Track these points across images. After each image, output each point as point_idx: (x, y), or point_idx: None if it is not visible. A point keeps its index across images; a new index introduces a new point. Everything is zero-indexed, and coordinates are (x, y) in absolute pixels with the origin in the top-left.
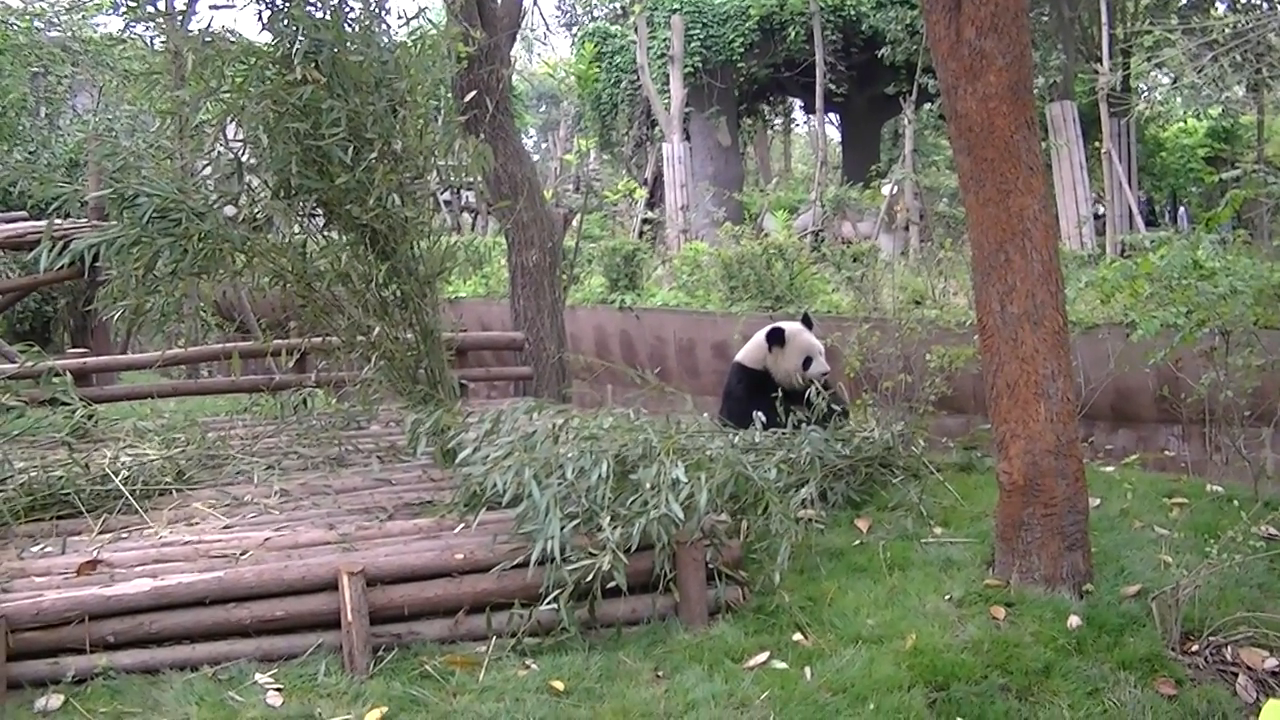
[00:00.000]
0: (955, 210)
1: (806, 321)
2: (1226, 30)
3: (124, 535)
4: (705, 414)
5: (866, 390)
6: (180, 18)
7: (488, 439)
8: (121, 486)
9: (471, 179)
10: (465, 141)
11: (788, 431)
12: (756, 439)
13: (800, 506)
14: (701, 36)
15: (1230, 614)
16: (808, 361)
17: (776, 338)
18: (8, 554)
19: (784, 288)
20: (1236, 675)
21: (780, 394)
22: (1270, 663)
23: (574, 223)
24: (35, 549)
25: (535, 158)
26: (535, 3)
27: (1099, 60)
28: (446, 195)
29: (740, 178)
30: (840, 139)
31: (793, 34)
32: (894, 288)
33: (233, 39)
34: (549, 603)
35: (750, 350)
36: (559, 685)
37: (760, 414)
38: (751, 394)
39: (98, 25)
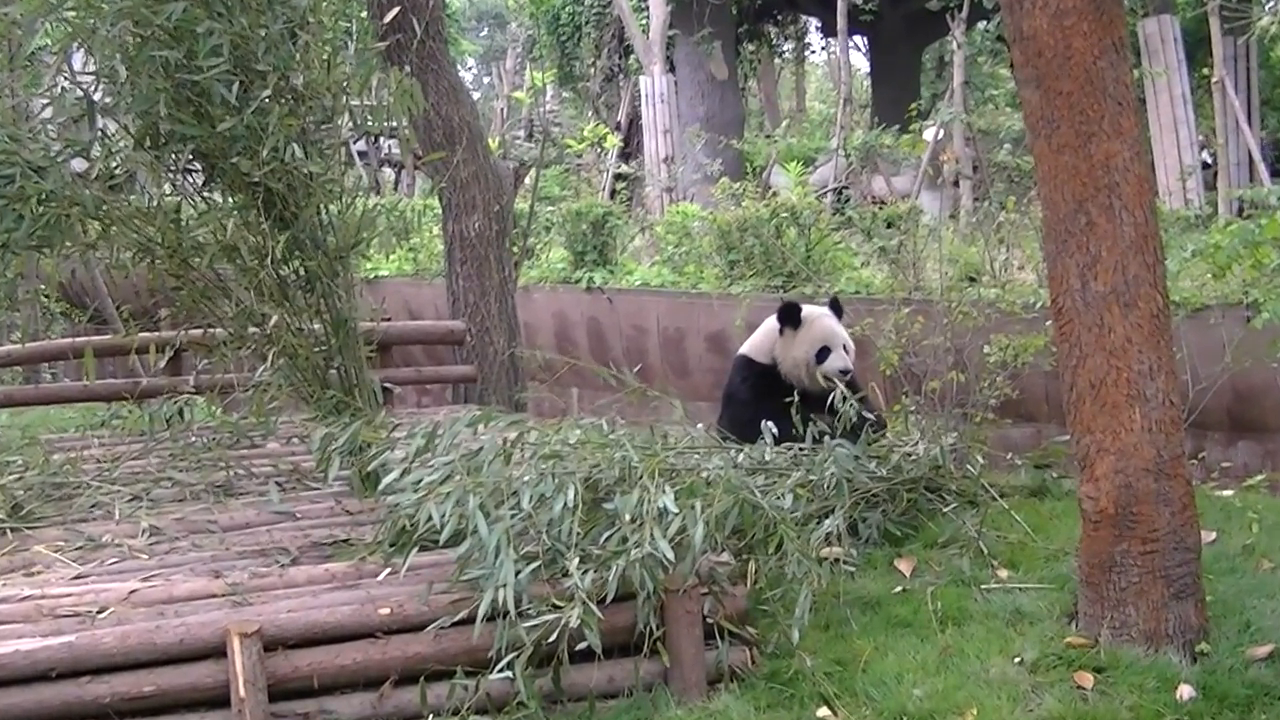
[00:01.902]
0: (1020, 159)
1: (835, 307)
2: None
3: None
4: (700, 425)
5: (907, 393)
6: None
7: (420, 459)
8: None
9: (395, 124)
10: (386, 75)
11: (806, 447)
12: (767, 456)
13: (824, 543)
14: None
15: None
16: (823, 353)
17: (790, 316)
18: None
19: (798, 261)
20: None
21: (796, 398)
22: None
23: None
24: None
25: (476, 96)
26: None
27: None
28: (362, 145)
29: (740, 120)
30: (869, 70)
31: None
32: (941, 260)
33: None
34: (501, 670)
35: (758, 340)
36: None
37: (771, 424)
38: (759, 397)
39: None
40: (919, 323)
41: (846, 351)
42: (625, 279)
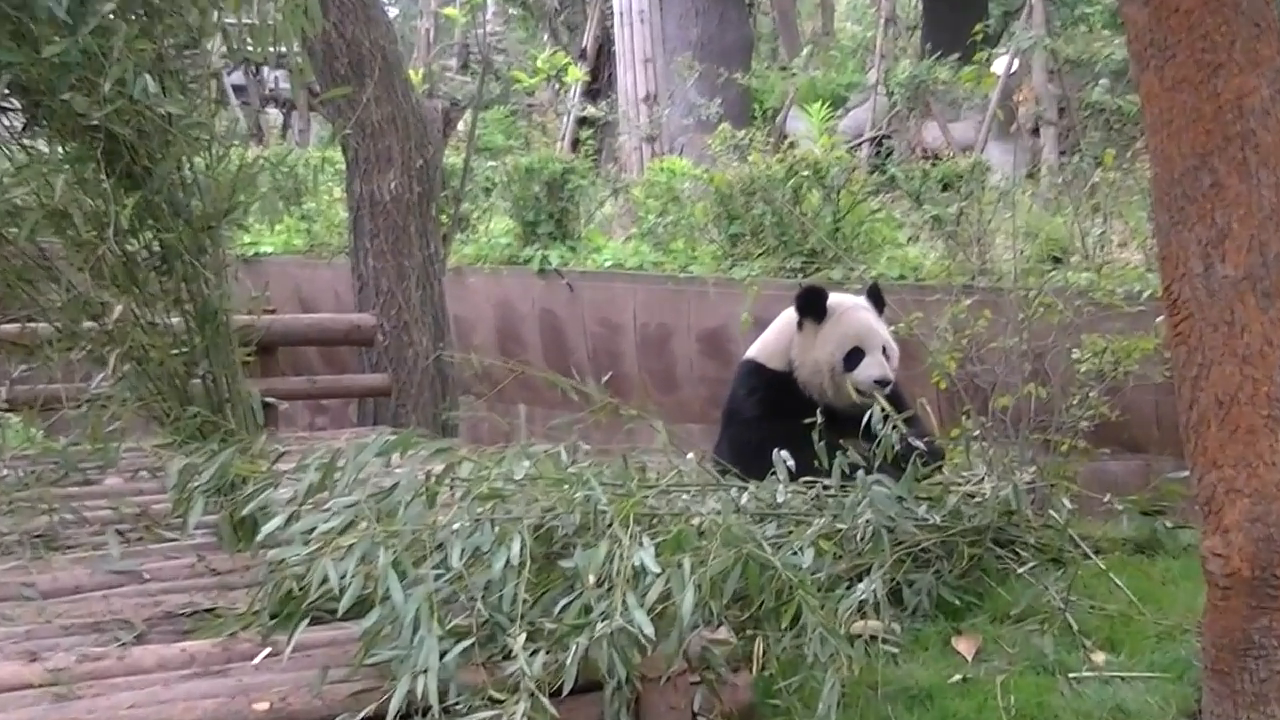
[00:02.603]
0: (1122, 100)
1: (874, 297)
2: None
3: None
4: (691, 454)
5: (968, 412)
6: None
7: (313, 500)
8: None
9: (283, 50)
10: None
11: (833, 484)
12: (780, 497)
13: (856, 614)
14: None
15: None
16: (854, 357)
17: (812, 306)
18: None
19: (823, 236)
20: None
21: (820, 418)
22: None
23: (460, 125)
24: None
25: (394, 13)
26: None
27: None
28: (240, 78)
29: (746, 47)
30: None
31: None
32: (1015, 235)
33: None
34: None
35: (769, 341)
36: None
37: (785, 453)
38: (771, 416)
39: None
40: (985, 318)
41: (886, 356)
42: (591, 259)
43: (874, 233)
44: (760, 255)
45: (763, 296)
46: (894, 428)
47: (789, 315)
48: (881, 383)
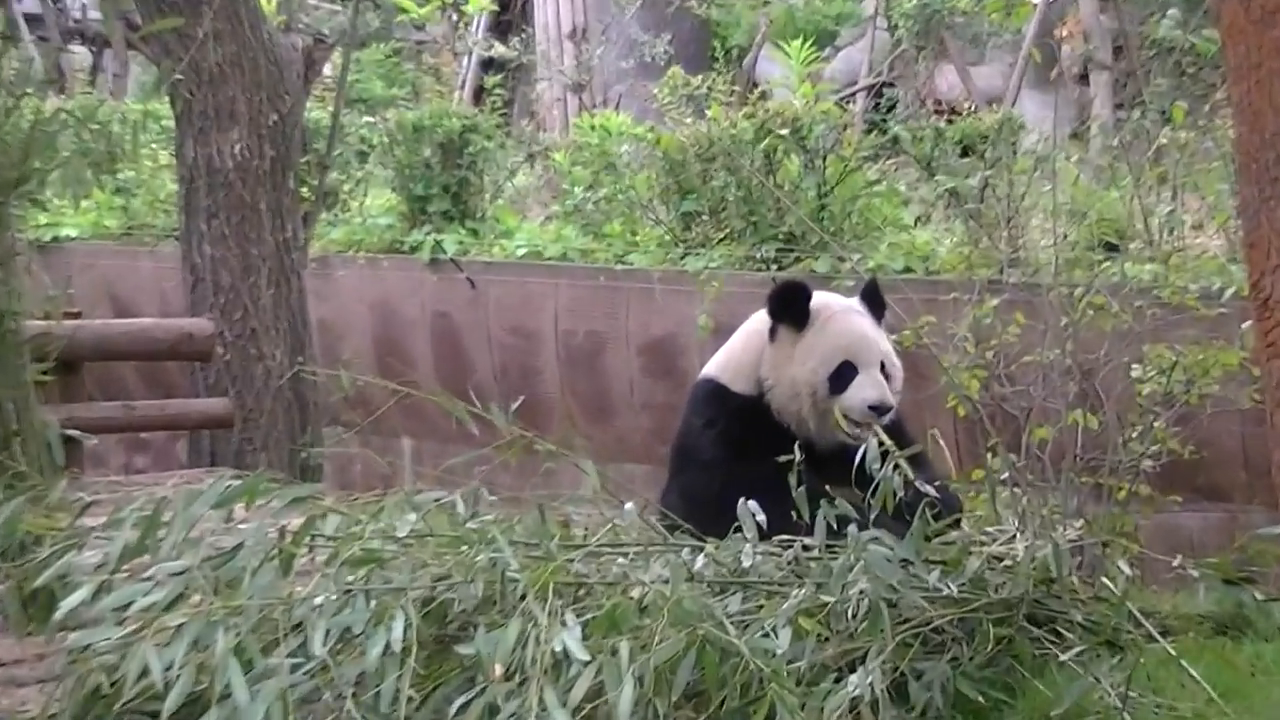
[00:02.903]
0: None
1: (870, 297)
2: None
3: None
4: (630, 504)
5: (995, 448)
6: None
7: (130, 566)
8: None
9: None
10: None
11: (817, 543)
12: (747, 560)
13: (848, 715)
14: None
15: None
16: (844, 374)
17: (789, 308)
18: None
19: (805, 215)
20: None
21: (799, 454)
22: None
23: (327, 69)
24: None
25: None
26: None
27: None
28: (33, 4)
29: None
30: None
31: None
32: (1055, 214)
33: None
34: None
35: (734, 354)
36: None
37: (754, 503)
38: (735, 454)
39: None
40: (1018, 323)
41: (886, 374)
42: (500, 246)
43: (871, 211)
44: (722, 241)
45: (725, 296)
46: (896, 468)
47: (759, 321)
48: (879, 409)
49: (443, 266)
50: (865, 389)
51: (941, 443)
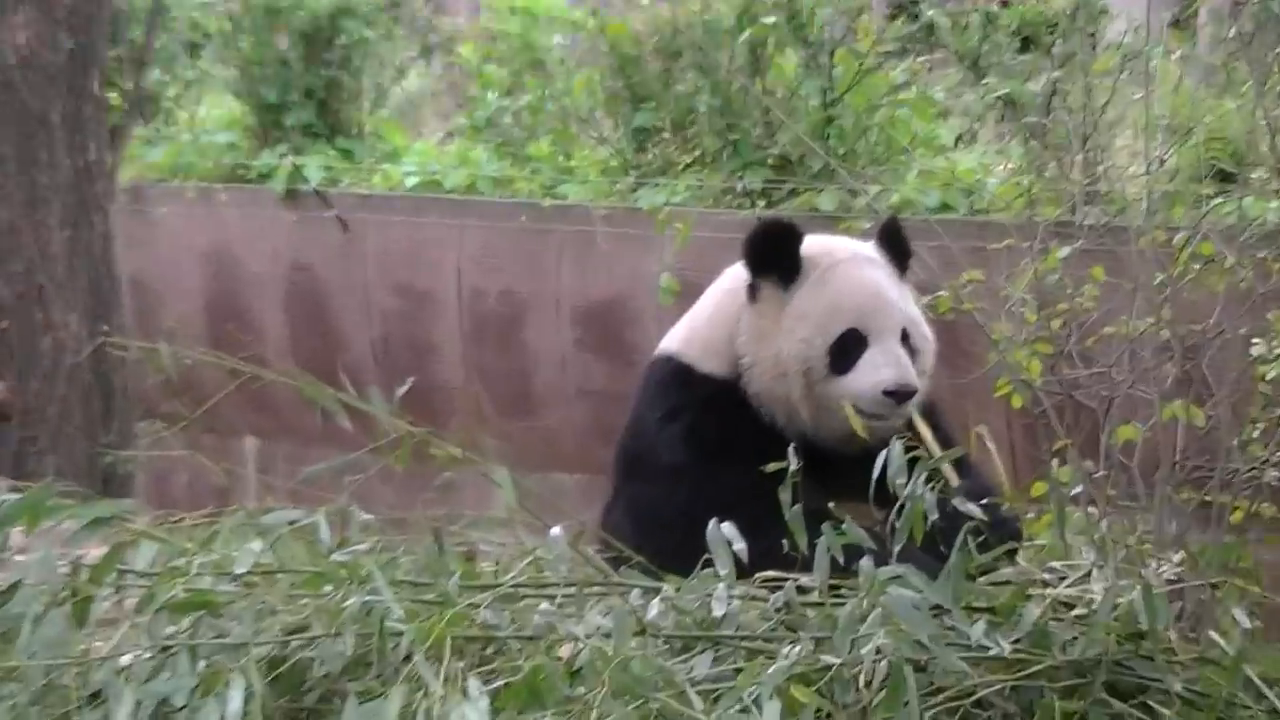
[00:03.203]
0: None
1: (891, 241)
2: None
3: None
4: (557, 528)
5: (1063, 451)
6: None
7: None
8: None
9: None
10: None
11: (817, 581)
12: (719, 606)
13: None
14: None
15: None
16: (848, 346)
17: (773, 253)
18: None
19: (807, 131)
20: None
21: (793, 458)
22: None
23: None
24: None
25: None
26: None
27: None
28: None
29: None
30: None
31: None
32: (1149, 130)
33: None
34: None
35: (705, 321)
36: None
37: (730, 525)
38: (707, 457)
39: None
40: (1095, 281)
41: (910, 346)
42: (384, 173)
43: (896, 127)
44: (690, 168)
45: (694, 244)
46: (929, 479)
47: (734, 277)
48: (899, 394)
49: (304, 201)
50: (879, 367)
51: (991, 444)
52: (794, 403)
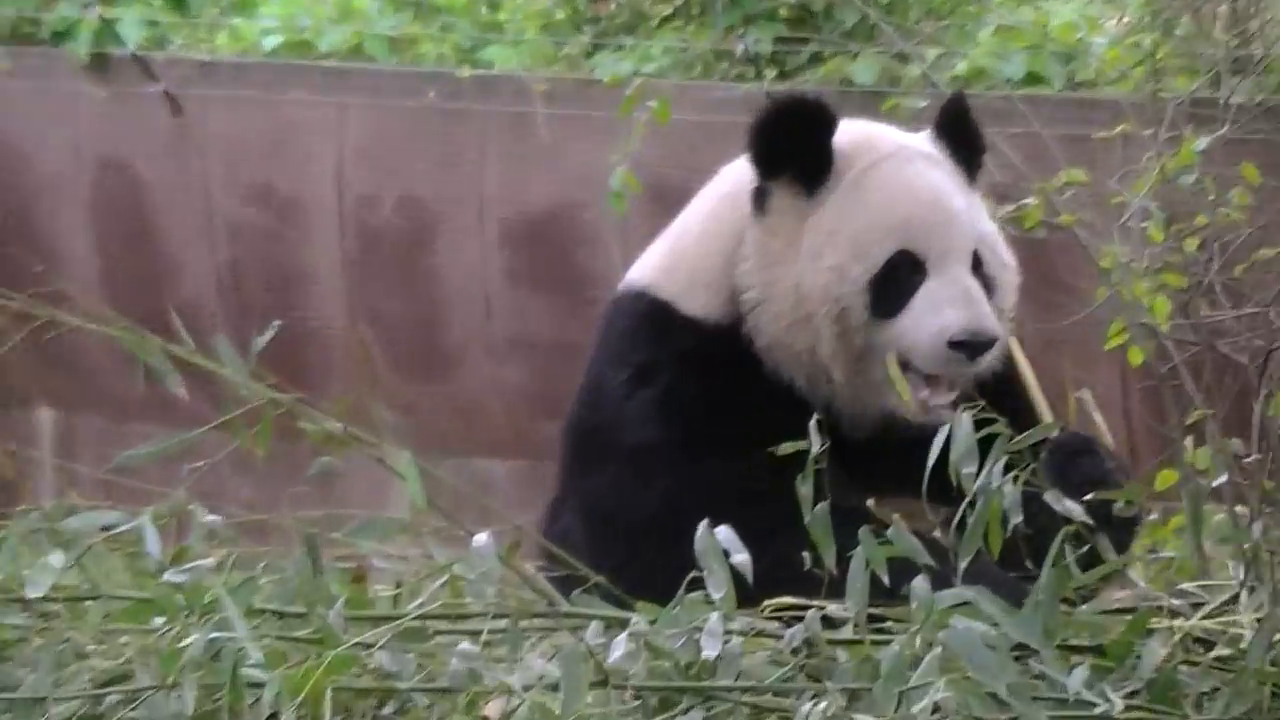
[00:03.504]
0: None
1: (956, 128)
2: None
3: None
4: (483, 535)
5: (1196, 426)
6: None
7: None
8: None
9: None
10: None
11: (852, 607)
12: (714, 645)
13: None
14: None
15: None
16: (896, 277)
17: (792, 138)
18: None
19: None
20: None
21: (818, 440)
22: None
23: None
24: None
25: None
26: None
27: None
28: None
29: None
30: None
31: None
32: None
33: None
34: None
35: (690, 240)
36: None
37: (726, 530)
38: (694, 432)
39: None
40: (1248, 182)
41: (984, 277)
42: (231, 32)
43: None
44: (667, 23)
45: (673, 130)
46: (1008, 469)
47: (734, 180)
48: (974, 345)
49: (117, 71)
50: (942, 306)
51: (1098, 416)
52: (820, 358)
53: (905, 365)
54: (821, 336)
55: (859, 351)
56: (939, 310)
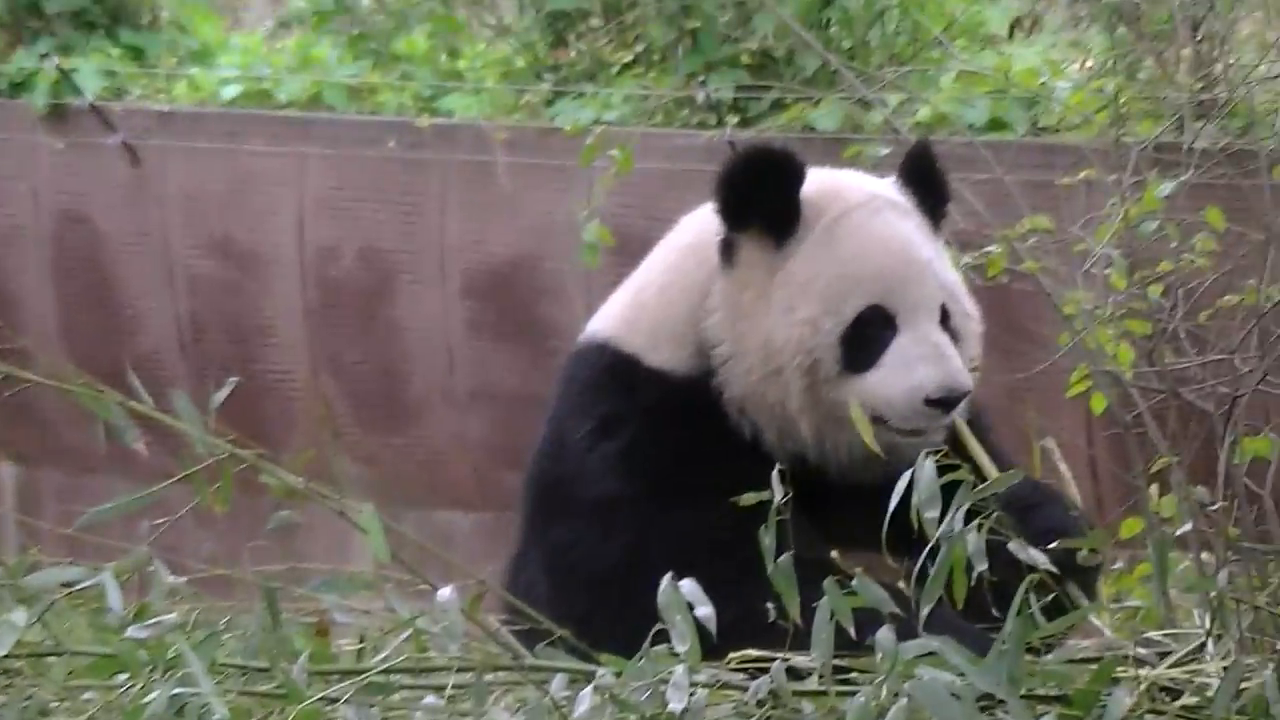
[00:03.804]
0: None
1: (923, 176)
2: None
3: None
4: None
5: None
6: None
7: None
8: None
9: None
10: None
11: (818, 659)
12: (680, 698)
13: None
14: None
15: None
16: (866, 333)
17: (760, 189)
18: None
19: (797, 16)
20: None
21: (779, 491)
22: None
23: None
24: None
25: None
26: None
27: None
28: None
29: None
30: None
31: None
32: None
33: None
34: None
35: (654, 291)
36: None
37: (691, 583)
38: (659, 484)
39: None
40: (1211, 228)
41: (950, 329)
42: (190, 82)
43: (924, 9)
44: (628, 69)
45: (636, 179)
46: (976, 517)
47: (698, 229)
48: (947, 400)
49: (75, 122)
50: (915, 363)
51: (1063, 465)
52: (790, 413)
53: (877, 420)
54: (791, 390)
55: (828, 405)
56: (912, 367)
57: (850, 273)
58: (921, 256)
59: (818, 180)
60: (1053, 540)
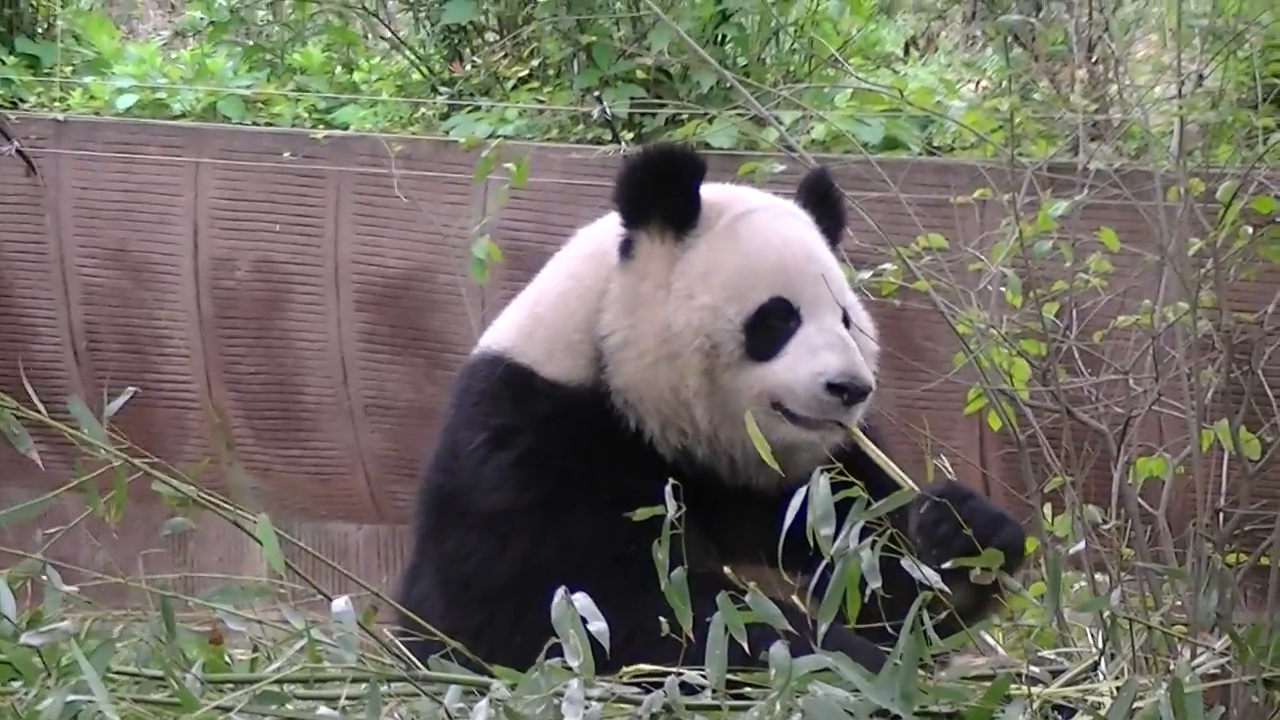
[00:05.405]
0: None
1: (820, 197)
2: None
3: None
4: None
5: (1052, 494)
6: None
7: None
8: None
9: None
10: None
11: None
12: (573, 713)
13: None
14: None
15: None
16: (769, 322)
17: (662, 184)
18: None
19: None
20: None
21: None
22: None
23: None
24: None
25: None
26: None
27: None
28: None
29: None
30: None
31: None
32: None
33: None
34: None
35: (549, 302)
36: None
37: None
38: (552, 496)
39: None
40: (1106, 248)
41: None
42: (86, 90)
43: (819, 28)
44: (523, 84)
45: (530, 193)
46: (870, 531)
47: (595, 239)
48: (852, 390)
49: None
50: (821, 351)
51: (949, 477)
52: (683, 401)
53: (777, 407)
54: (687, 374)
55: (725, 392)
56: (816, 354)
57: (754, 265)
58: (824, 258)
59: (717, 188)
60: (988, 533)
